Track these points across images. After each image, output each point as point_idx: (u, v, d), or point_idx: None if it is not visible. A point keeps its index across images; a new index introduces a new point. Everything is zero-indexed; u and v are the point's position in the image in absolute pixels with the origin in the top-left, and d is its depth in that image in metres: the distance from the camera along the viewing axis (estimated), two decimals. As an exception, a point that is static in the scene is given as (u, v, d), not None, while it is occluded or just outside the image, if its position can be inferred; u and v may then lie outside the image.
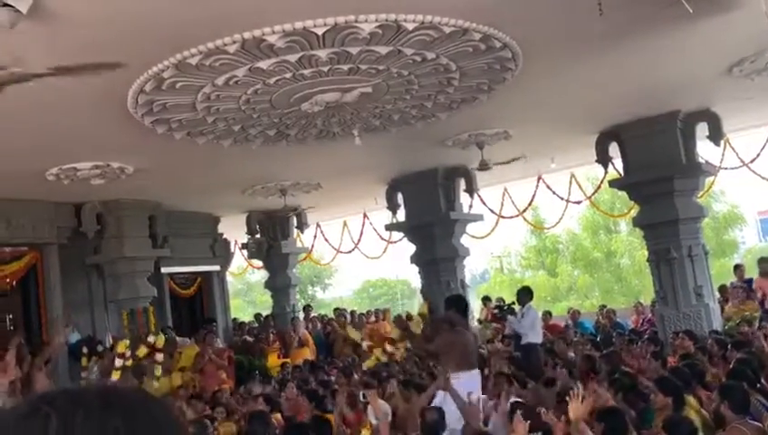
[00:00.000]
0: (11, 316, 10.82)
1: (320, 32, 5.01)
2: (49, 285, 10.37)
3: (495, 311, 11.46)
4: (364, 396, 6.41)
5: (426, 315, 7.75)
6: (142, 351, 8.89)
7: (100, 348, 10.09)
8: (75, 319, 10.77)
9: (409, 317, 8.44)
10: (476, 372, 6.06)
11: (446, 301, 6.71)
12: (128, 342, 7.82)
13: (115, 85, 5.69)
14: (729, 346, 7.14)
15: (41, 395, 0.78)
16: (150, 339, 8.93)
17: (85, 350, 9.93)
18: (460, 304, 6.45)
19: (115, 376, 7.45)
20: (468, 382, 5.85)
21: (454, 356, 5.95)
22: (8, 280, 10.28)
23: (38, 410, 0.74)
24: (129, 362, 8.59)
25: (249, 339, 12.99)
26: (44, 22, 4.30)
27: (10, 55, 4.76)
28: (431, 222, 11.86)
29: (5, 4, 3.95)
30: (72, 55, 4.95)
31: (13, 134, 6.76)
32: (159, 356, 9.01)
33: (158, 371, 8.95)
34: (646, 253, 10.80)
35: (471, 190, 11.74)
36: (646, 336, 9.60)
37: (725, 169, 11.55)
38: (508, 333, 10.30)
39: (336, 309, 15.43)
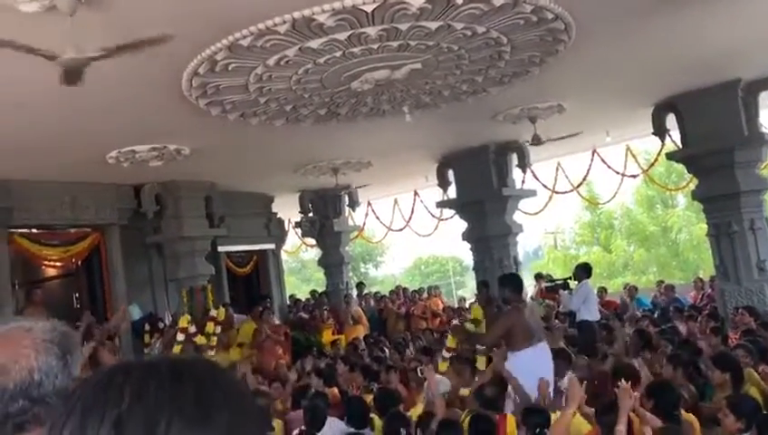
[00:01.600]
0: (77, 295, 11.29)
1: (369, 9, 5.01)
2: (112, 265, 10.75)
3: (547, 285, 11.34)
4: (421, 371, 6.48)
5: (480, 321, 7.69)
6: (210, 327, 9.11)
7: (161, 325, 10.44)
8: (137, 298, 11.14)
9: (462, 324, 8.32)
10: (543, 344, 6.00)
11: (500, 279, 6.65)
12: (188, 317, 8.03)
13: (170, 69, 5.82)
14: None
15: (116, 366, 0.83)
16: (213, 313, 9.16)
17: (147, 327, 10.29)
18: (514, 282, 6.38)
19: (177, 349, 7.68)
20: (534, 357, 5.82)
21: (514, 335, 5.93)
22: (74, 260, 10.71)
23: (112, 380, 0.79)
24: (198, 339, 8.80)
25: (304, 316, 13.22)
26: (100, 7, 4.42)
27: (68, 41, 4.91)
28: (483, 198, 11.79)
29: (65, -7, 4.07)
30: (126, 40, 5.06)
31: (74, 119, 6.99)
32: (217, 328, 9.24)
33: (213, 340, 9.14)
34: (703, 227, 10.51)
35: (523, 166, 11.61)
36: (705, 312, 9.38)
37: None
38: (563, 310, 10.19)
39: (393, 290, 15.48)
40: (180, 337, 7.61)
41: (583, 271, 9.64)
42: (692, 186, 11.17)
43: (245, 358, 10.23)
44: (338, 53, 5.81)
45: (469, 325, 7.65)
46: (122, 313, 8.56)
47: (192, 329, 7.88)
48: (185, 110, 6.94)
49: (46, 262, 10.47)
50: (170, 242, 11.29)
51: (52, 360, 1.27)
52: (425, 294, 14.62)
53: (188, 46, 5.42)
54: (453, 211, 13.28)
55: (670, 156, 10.74)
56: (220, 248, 12.39)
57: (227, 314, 10.23)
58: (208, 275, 11.44)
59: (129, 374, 0.79)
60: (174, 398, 0.76)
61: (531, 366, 5.70)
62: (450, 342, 7.50)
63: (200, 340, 8.52)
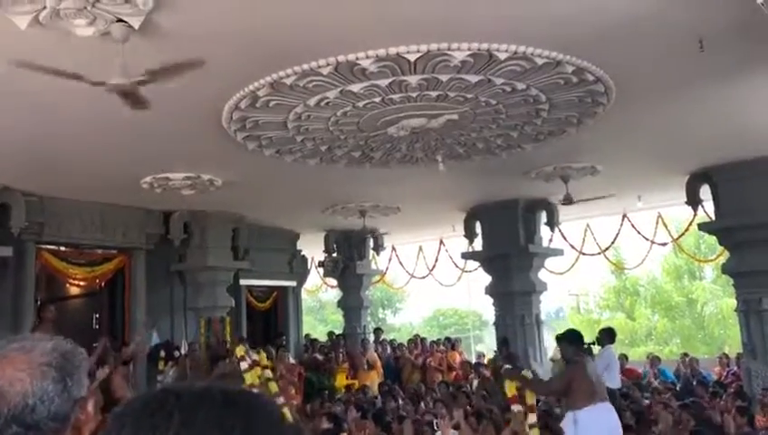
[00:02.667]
0: (98, 316, 11.33)
1: (412, 58, 5.08)
2: (134, 289, 10.81)
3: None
4: (437, 425, 6.35)
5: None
6: (257, 371, 8.96)
7: (176, 353, 10.41)
8: (156, 323, 11.14)
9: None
10: (606, 404, 5.82)
11: (558, 337, 6.52)
12: (245, 347, 7.96)
13: (212, 100, 5.94)
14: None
15: (166, 389, 0.81)
16: (255, 357, 9.03)
17: (163, 354, 10.26)
18: (574, 338, 6.25)
19: (249, 379, 7.49)
20: (597, 416, 5.66)
21: (575, 392, 5.79)
22: (98, 281, 10.78)
23: (163, 405, 0.77)
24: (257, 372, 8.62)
25: (319, 357, 13.10)
26: (152, 37, 4.54)
27: (118, 67, 5.04)
28: (509, 253, 11.70)
29: (119, 20, 4.20)
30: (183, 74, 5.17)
31: (115, 144, 7.13)
32: (268, 372, 9.09)
33: (274, 386, 8.99)
34: (730, 301, 10.29)
35: (552, 224, 11.53)
36: (731, 390, 9.10)
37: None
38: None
39: (412, 339, 15.27)
40: (244, 365, 7.50)
41: (607, 336, 9.43)
42: (722, 259, 10.97)
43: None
44: (377, 99, 5.89)
45: (528, 373, 7.44)
46: (142, 336, 8.48)
47: (250, 358, 7.77)
48: (222, 142, 7.04)
49: (71, 280, 10.55)
50: (194, 271, 11.34)
51: (49, 384, 1.23)
52: (442, 346, 14.42)
53: (232, 80, 5.53)
54: (477, 263, 13.19)
55: (702, 227, 10.59)
56: (242, 281, 12.40)
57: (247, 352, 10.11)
58: (228, 307, 11.44)
59: (179, 399, 0.78)
60: (222, 426, 0.75)
61: (593, 425, 5.56)
62: (510, 389, 6.95)
63: (252, 378, 8.40)
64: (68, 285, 11.08)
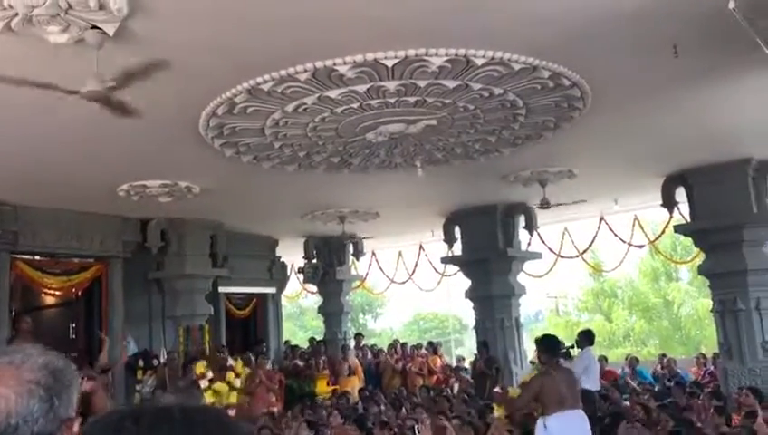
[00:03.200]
0: (74, 325, 11.18)
1: (390, 64, 5.09)
2: (112, 298, 10.68)
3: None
4: (418, 430, 6.35)
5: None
6: (231, 376, 8.95)
7: (155, 362, 10.31)
8: (133, 332, 11.03)
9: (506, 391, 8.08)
10: (576, 412, 5.85)
11: (536, 341, 6.56)
12: (205, 363, 7.90)
13: (188, 107, 5.90)
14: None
15: (124, 412, 0.80)
16: (231, 363, 8.99)
17: (141, 363, 10.16)
18: (549, 344, 6.29)
19: (210, 397, 7.45)
20: (566, 422, 5.69)
21: (544, 399, 5.82)
22: (74, 290, 10.64)
23: (120, 430, 0.76)
24: (218, 386, 8.60)
25: (300, 363, 13.04)
26: (128, 44, 4.50)
27: (92, 75, 4.99)
28: (488, 257, 11.75)
29: (94, 27, 4.15)
30: (152, 78, 5.14)
31: (90, 151, 7.05)
32: (237, 382, 9.06)
33: (234, 396, 8.97)
34: (706, 302, 10.43)
35: (530, 228, 11.60)
36: (708, 390, 9.20)
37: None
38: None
39: (392, 344, 15.27)
40: (204, 384, 7.45)
41: (586, 338, 9.50)
42: (698, 260, 11.11)
43: (237, 404, 10.06)
44: (355, 105, 5.89)
45: (515, 391, 7.48)
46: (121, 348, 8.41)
47: (210, 375, 7.74)
48: (199, 149, 7.00)
49: (47, 290, 10.40)
50: (171, 279, 11.24)
51: (35, 404, 1.18)
52: (423, 350, 14.42)
53: (209, 87, 5.50)
54: (457, 268, 13.23)
55: (678, 229, 10.73)
56: (221, 289, 12.31)
57: (221, 358, 10.06)
58: (207, 314, 11.35)
59: (137, 423, 0.76)
60: None
61: (563, 431, 5.59)
62: (498, 411, 7.19)
63: (221, 387, 8.36)
64: (43, 295, 10.92)
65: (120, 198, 8.96)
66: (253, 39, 4.70)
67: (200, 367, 7.45)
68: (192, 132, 6.52)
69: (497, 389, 8.81)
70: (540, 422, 5.72)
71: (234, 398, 7.98)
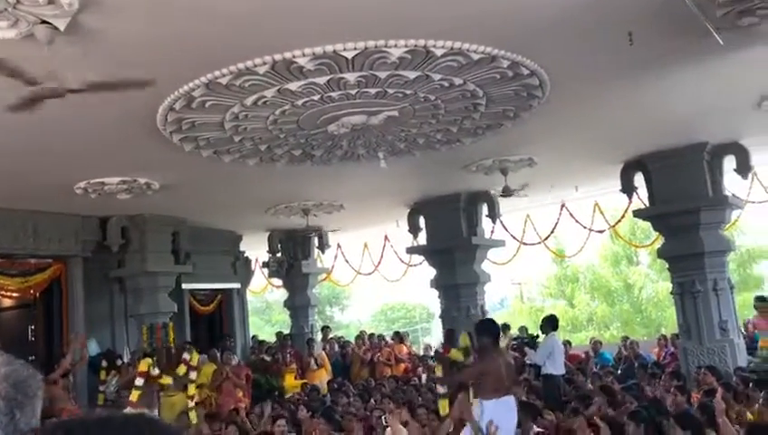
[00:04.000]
0: (33, 328, 10.95)
1: (349, 55, 5.06)
2: (72, 298, 10.47)
3: (514, 343, 11.33)
4: (386, 420, 6.37)
5: (468, 348, 7.60)
6: (182, 369, 8.86)
7: (119, 362, 10.15)
8: (96, 332, 10.84)
9: (447, 351, 8.26)
10: (508, 398, 5.93)
11: (476, 326, 6.56)
12: (150, 360, 7.76)
13: (145, 102, 5.79)
14: (751, 385, 6.99)
15: (57, 424, 0.78)
16: (186, 356, 8.90)
17: (104, 363, 9.99)
18: (491, 329, 6.32)
19: (134, 396, 7.32)
20: (497, 409, 5.76)
21: (484, 384, 5.88)
22: (32, 291, 10.40)
23: None
24: (164, 380, 8.51)
25: (266, 358, 12.97)
26: (80, 39, 4.39)
27: (45, 70, 4.86)
28: (452, 246, 11.83)
29: (44, 21, 4.04)
30: (106, 72, 5.04)
31: (45, 148, 6.88)
32: (193, 374, 8.97)
33: (192, 389, 8.90)
34: (665, 285, 10.65)
35: (493, 216, 11.71)
36: (669, 370, 9.42)
37: (753, 202, 11.41)
38: (530, 363, 10.14)
39: (359, 335, 15.27)
40: (139, 381, 7.29)
41: (550, 324, 9.65)
42: (657, 244, 11.35)
43: (204, 400, 9.98)
44: (316, 97, 5.85)
45: (457, 353, 7.60)
46: (81, 342, 8.25)
47: (155, 371, 7.61)
48: (158, 144, 6.88)
49: (3, 292, 10.14)
50: (133, 277, 11.06)
51: None
52: (390, 341, 14.47)
53: (166, 81, 5.41)
54: (422, 258, 13.29)
55: (637, 213, 10.94)
56: (184, 285, 12.16)
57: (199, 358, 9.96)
58: (170, 312, 11.20)
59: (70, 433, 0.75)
60: None
61: (494, 417, 5.64)
62: (438, 370, 7.42)
63: (166, 380, 8.25)
64: (0, 297, 10.66)
65: (78, 196, 8.77)
66: (209, 32, 4.62)
67: (144, 364, 7.32)
68: (150, 128, 6.40)
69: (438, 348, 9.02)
70: (477, 406, 5.81)
71: (192, 390, 7.88)
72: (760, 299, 10.36)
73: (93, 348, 10.46)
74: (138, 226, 10.88)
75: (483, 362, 6.12)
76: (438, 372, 7.53)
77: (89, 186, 8.47)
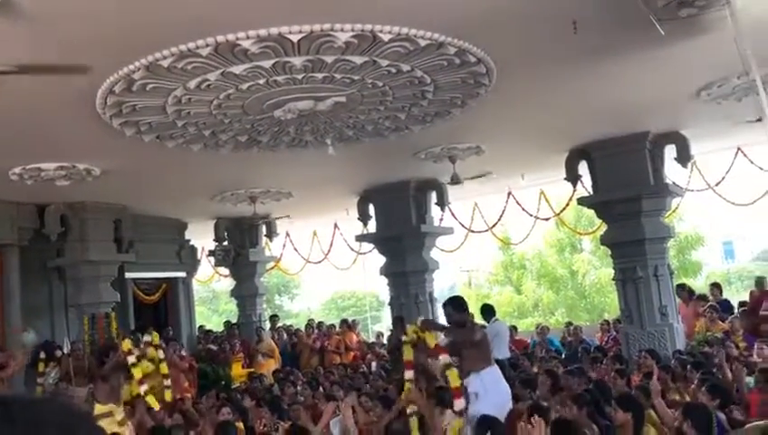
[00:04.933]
0: (-34, 319, 10.52)
1: (295, 39, 4.98)
2: (7, 288, 10.09)
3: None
4: (337, 407, 6.33)
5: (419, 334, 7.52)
6: (152, 351, 8.59)
7: (58, 353, 9.84)
8: (34, 323, 10.50)
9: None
10: (496, 368, 6.01)
11: (447, 304, 6.51)
12: (130, 341, 7.56)
13: (83, 85, 5.58)
14: (689, 367, 7.21)
15: None
16: (147, 338, 8.63)
17: (43, 355, 9.66)
18: (464, 304, 6.31)
19: (138, 373, 7.06)
20: (497, 377, 5.82)
21: (476, 354, 5.90)
22: (-35, 281, 9.99)
23: None
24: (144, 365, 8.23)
25: (213, 348, 12.80)
26: (13, 19, 4.19)
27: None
28: (402, 234, 11.85)
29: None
30: (42, 53, 4.84)
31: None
32: (161, 353, 8.71)
33: (164, 368, 8.63)
34: (608, 271, 10.89)
35: (442, 204, 11.77)
36: (611, 354, 9.65)
37: (692, 190, 11.75)
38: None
39: (308, 324, 15.19)
40: (132, 359, 7.06)
41: (488, 312, 9.87)
42: (601, 231, 11.59)
43: (148, 390, 9.76)
44: (261, 81, 5.75)
45: (431, 335, 7.54)
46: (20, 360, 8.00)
47: (136, 351, 7.37)
48: (97, 128, 6.66)
49: (-67, 282, 9.72)
50: (73, 266, 10.74)
51: None
52: (339, 329, 14.44)
53: (105, 63, 5.22)
54: (372, 245, 13.28)
55: (581, 201, 11.15)
56: (127, 274, 11.88)
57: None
58: (113, 302, 10.92)
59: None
60: None
61: (497, 385, 5.74)
62: (430, 339, 7.08)
63: (146, 367, 8.00)
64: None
65: (13, 182, 8.43)
66: (150, 12, 4.47)
67: (126, 344, 7.16)
68: (88, 111, 6.18)
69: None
70: (475, 378, 5.81)
71: (164, 369, 7.70)
72: (680, 287, 10.76)
73: (31, 339, 10.12)
74: (78, 213, 10.55)
75: (472, 332, 6.11)
76: (431, 340, 7.28)
77: (24, 172, 8.15)
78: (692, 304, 10.79)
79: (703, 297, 11.23)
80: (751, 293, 10.82)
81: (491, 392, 5.66)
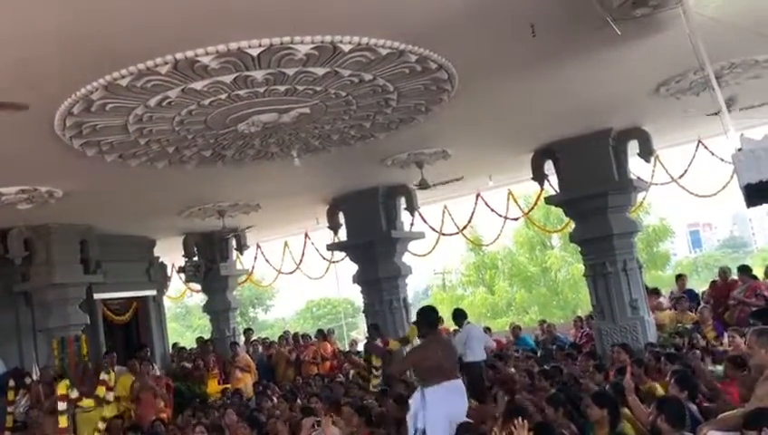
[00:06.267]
0: (-70, 350, 10.25)
1: (254, 53, 4.95)
2: (-28, 316, 9.86)
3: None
4: (318, 423, 6.28)
5: (409, 340, 7.57)
6: (101, 391, 8.44)
7: (27, 380, 9.63)
8: (1, 350, 10.26)
9: (386, 343, 8.27)
10: (454, 382, 5.92)
11: (418, 313, 6.51)
12: (68, 382, 7.37)
13: (41, 107, 5.47)
14: (663, 359, 7.31)
15: None
16: (104, 377, 8.48)
17: (12, 383, 9.44)
18: (429, 317, 6.30)
19: (62, 422, 6.92)
20: (443, 395, 5.74)
21: (425, 371, 5.87)
22: (-73, 311, 9.72)
23: None
24: (85, 403, 8.10)
25: (187, 365, 12.63)
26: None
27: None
28: (373, 241, 11.84)
29: None
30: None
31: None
32: (110, 395, 8.57)
33: (108, 411, 8.53)
34: (580, 267, 11.00)
35: (411, 209, 11.79)
36: (585, 350, 9.76)
37: (656, 184, 11.94)
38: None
39: (282, 335, 15.07)
40: (62, 406, 6.91)
41: (460, 315, 9.94)
42: (569, 228, 11.72)
43: (123, 412, 9.62)
44: (223, 96, 5.70)
45: (395, 344, 7.62)
46: None
47: (74, 395, 7.23)
48: (57, 150, 6.53)
49: None
50: (40, 289, 10.52)
51: None
52: (315, 339, 14.36)
53: (62, 84, 5.13)
54: (344, 253, 13.25)
55: (548, 200, 11.26)
56: (96, 296, 11.67)
57: (104, 367, 9.56)
58: (82, 324, 10.72)
59: None
60: None
61: (439, 402, 5.67)
62: (375, 361, 7.70)
63: (88, 403, 7.86)
64: None
65: (-27, 207, 8.25)
66: (104, 31, 4.40)
67: (62, 387, 6.97)
68: (47, 133, 6.06)
69: (378, 342, 9.10)
70: (417, 393, 5.80)
71: (109, 411, 7.57)
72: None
73: (-1, 367, 9.90)
74: (42, 236, 10.34)
75: (420, 350, 6.10)
76: (376, 362, 7.67)
77: (-17, 197, 7.98)
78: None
79: (655, 291, 11.46)
80: (713, 283, 11.09)
81: (429, 411, 5.62)
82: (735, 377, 6.05)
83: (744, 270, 10.51)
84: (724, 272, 10.96)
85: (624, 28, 5.37)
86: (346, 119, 7.01)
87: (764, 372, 4.29)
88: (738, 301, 9.75)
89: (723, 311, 9.97)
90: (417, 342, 6.95)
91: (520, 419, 4.21)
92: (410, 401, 5.82)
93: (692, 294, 11.39)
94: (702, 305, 10.33)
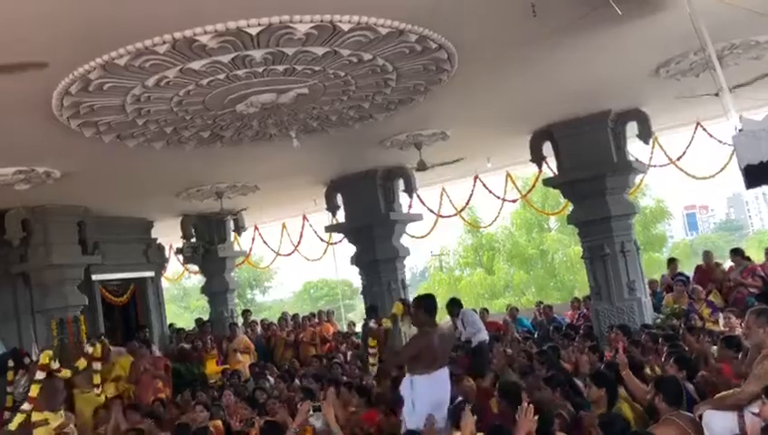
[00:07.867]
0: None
1: (253, 32, 4.91)
2: (-29, 297, 9.87)
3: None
4: (317, 408, 6.31)
5: (398, 316, 7.55)
6: (82, 363, 8.48)
7: (27, 361, 9.65)
8: (0, 331, 10.28)
9: (380, 323, 8.31)
10: (441, 372, 5.91)
11: (414, 301, 6.49)
12: (50, 353, 7.40)
13: (38, 86, 5.45)
14: (660, 340, 7.36)
15: None
16: (88, 349, 8.54)
17: (11, 363, 9.46)
18: (427, 304, 6.27)
19: (34, 391, 6.97)
20: (429, 384, 5.74)
21: (418, 360, 5.87)
22: (-75, 292, 9.73)
23: None
24: (62, 374, 8.14)
25: (186, 346, 12.66)
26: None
27: None
28: (371, 223, 11.85)
29: None
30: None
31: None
32: (97, 365, 8.63)
33: (97, 379, 8.59)
34: (577, 249, 11.03)
35: (410, 190, 11.78)
36: (582, 331, 9.80)
37: (654, 166, 11.94)
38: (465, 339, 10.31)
39: (281, 317, 15.10)
40: (40, 375, 6.95)
41: (455, 304, 9.94)
42: (567, 210, 11.72)
43: (122, 393, 9.66)
44: (221, 76, 5.66)
45: (386, 321, 7.61)
46: None
47: (55, 365, 7.26)
48: (55, 130, 6.50)
49: None
50: (38, 271, 10.53)
51: None
52: (315, 320, 14.39)
53: (60, 63, 5.09)
54: (342, 235, 13.25)
55: (546, 182, 11.25)
56: (94, 277, 11.69)
57: (104, 348, 9.59)
58: (80, 305, 10.74)
59: None
60: None
61: (426, 392, 5.67)
62: (372, 343, 7.85)
63: (65, 373, 7.91)
64: None
65: (-30, 188, 8.23)
66: (105, 10, 4.36)
67: (45, 357, 7.01)
68: (45, 113, 6.04)
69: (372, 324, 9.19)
70: (407, 380, 5.80)
71: (112, 389, 7.62)
72: None
73: (-2, 348, 9.92)
74: (39, 218, 10.34)
75: (419, 339, 6.09)
76: (373, 344, 7.70)
77: (-19, 178, 7.96)
78: None
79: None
80: (698, 267, 11.20)
81: (414, 399, 5.64)
82: (729, 358, 6.08)
83: (738, 252, 10.59)
84: (707, 256, 11.08)
85: (625, 8, 5.33)
86: (345, 99, 6.98)
87: (762, 350, 4.32)
88: (737, 282, 9.81)
89: (707, 293, 10.02)
90: (404, 321, 6.95)
91: (525, 403, 4.23)
92: (400, 389, 5.82)
93: (684, 278, 11.44)
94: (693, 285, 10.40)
